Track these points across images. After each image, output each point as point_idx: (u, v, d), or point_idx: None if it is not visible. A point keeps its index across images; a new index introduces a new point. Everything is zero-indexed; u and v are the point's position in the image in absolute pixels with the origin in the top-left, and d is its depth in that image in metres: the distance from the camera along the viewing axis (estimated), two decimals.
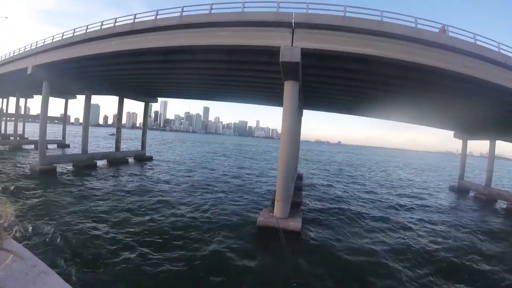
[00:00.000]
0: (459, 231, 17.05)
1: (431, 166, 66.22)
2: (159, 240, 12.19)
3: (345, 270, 10.78)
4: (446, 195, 29.60)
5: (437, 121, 29.53)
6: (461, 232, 16.93)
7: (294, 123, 15.10)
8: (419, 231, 16.98)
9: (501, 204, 23.43)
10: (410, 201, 24.85)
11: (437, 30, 13.95)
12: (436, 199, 26.68)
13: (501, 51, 14.44)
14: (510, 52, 14.65)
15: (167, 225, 14.45)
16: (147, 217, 15.11)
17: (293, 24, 13.51)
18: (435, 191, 31.63)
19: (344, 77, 17.10)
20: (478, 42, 13.93)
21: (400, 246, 14.41)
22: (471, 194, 28.38)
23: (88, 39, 18.42)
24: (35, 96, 43.54)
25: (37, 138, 23.41)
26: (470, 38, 13.99)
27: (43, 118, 22.02)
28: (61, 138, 40.94)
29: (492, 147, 27.65)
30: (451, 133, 33.63)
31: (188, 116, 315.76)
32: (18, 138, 41.63)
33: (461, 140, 32.69)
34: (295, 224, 13.91)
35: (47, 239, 10.49)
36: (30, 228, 11.38)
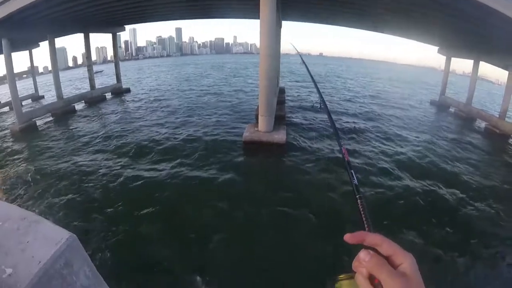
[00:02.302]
0: (437, 139, 18.21)
1: (415, 80, 65.87)
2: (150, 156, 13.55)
3: (327, 173, 11.88)
4: (426, 108, 30.45)
5: (422, 36, 28.68)
6: (439, 140, 18.06)
7: (273, 36, 14.76)
8: (399, 137, 18.14)
9: (480, 124, 23.90)
10: (392, 111, 25.94)
11: None
12: (417, 111, 27.77)
13: None
14: None
15: (156, 144, 15.85)
16: (138, 138, 16.70)
17: None
18: (416, 103, 32.50)
19: None
20: None
21: (378, 149, 15.66)
22: (451, 110, 28.79)
23: None
24: None
25: (10, 99, 22.55)
26: None
27: (11, 77, 20.88)
28: (34, 91, 39.12)
29: (476, 67, 27.07)
30: (436, 49, 32.74)
31: (161, 40, 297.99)
32: None
33: (444, 57, 31.98)
34: (279, 136, 14.57)
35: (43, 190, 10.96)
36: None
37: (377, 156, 14.43)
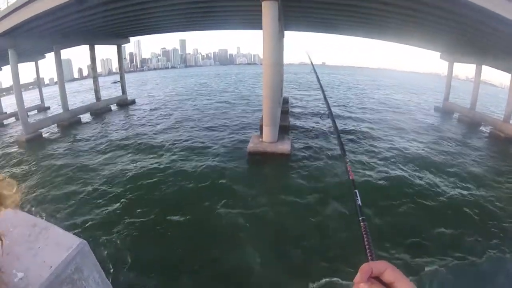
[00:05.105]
0: (442, 147, 18.08)
1: (418, 87, 65.78)
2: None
3: (333, 186, 11.89)
4: (430, 115, 30.12)
5: (425, 42, 28.61)
6: (444, 147, 18.00)
7: (275, 46, 14.91)
8: (405, 143, 18.23)
9: (484, 128, 23.73)
10: (395, 119, 25.76)
11: None
12: (421, 119, 27.37)
13: None
14: None
15: (159, 155, 16.08)
16: (143, 151, 16.81)
17: None
18: (420, 111, 31.99)
19: None
20: None
21: (384, 151, 15.67)
22: (455, 115, 28.60)
23: None
24: (3, 67, 40.70)
25: (16, 110, 22.80)
26: None
27: (17, 87, 21.22)
28: (40, 102, 39.40)
29: (478, 71, 27.05)
30: (438, 54, 32.72)
31: (165, 52, 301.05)
32: None
33: (447, 62, 32.00)
34: (283, 147, 14.60)
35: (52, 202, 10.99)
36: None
37: (379, 165, 14.41)
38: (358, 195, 1.06)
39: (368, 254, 0.78)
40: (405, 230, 8.90)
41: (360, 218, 0.93)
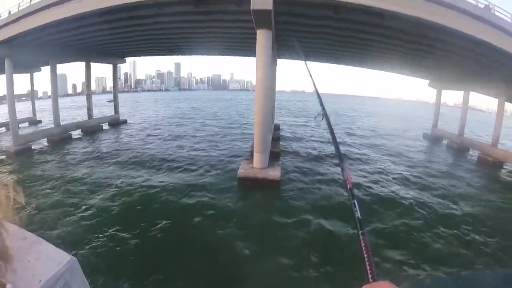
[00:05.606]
0: (430, 174, 18.11)
1: (407, 114, 67.24)
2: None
3: (323, 208, 11.85)
4: (419, 142, 30.62)
5: (412, 70, 29.62)
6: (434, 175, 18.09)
7: (268, 74, 15.22)
8: (395, 166, 18.64)
9: (473, 153, 24.35)
10: (384, 147, 26.16)
11: None
12: (410, 146, 27.56)
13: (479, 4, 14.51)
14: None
15: (147, 177, 15.63)
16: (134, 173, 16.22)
17: None
18: (409, 138, 32.32)
19: (318, 24, 16.60)
20: None
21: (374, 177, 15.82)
22: (444, 142, 29.19)
23: (49, 4, 17.14)
24: None
25: (7, 120, 22.57)
26: None
27: (10, 98, 21.07)
28: (31, 115, 38.96)
29: (466, 97, 27.98)
30: (426, 82, 33.73)
31: (160, 74, 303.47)
32: None
33: (435, 90, 33.04)
34: (274, 173, 14.58)
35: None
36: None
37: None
38: (357, 205, 0.96)
39: (369, 274, 0.72)
40: (394, 247, 9.17)
41: (360, 232, 0.83)
